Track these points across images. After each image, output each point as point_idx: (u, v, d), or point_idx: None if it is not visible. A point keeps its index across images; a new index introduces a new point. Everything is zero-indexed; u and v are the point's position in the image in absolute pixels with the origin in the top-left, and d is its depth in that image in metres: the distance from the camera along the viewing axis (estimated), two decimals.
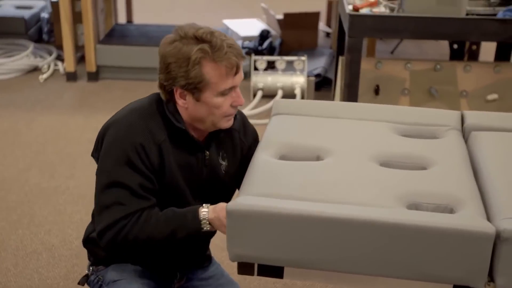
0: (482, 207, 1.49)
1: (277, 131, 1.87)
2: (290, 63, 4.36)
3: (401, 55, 5.12)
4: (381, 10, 3.17)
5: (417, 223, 1.38)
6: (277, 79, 4.25)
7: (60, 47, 4.80)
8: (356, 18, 3.05)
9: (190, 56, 1.66)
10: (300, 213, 1.42)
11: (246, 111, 3.97)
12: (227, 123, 1.77)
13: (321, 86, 4.45)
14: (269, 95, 4.21)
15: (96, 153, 1.79)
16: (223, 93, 1.70)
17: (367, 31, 3.10)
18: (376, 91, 3.38)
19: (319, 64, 4.63)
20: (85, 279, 1.93)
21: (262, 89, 4.21)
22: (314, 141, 1.77)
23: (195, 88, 1.68)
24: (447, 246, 1.37)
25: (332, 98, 4.07)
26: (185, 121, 1.76)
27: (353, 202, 1.47)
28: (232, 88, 1.72)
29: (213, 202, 1.77)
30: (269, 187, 1.55)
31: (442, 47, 4.95)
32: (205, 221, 1.67)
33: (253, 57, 4.35)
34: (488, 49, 4.08)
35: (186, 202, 1.77)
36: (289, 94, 4.22)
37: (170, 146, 1.74)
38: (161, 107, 1.76)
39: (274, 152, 1.74)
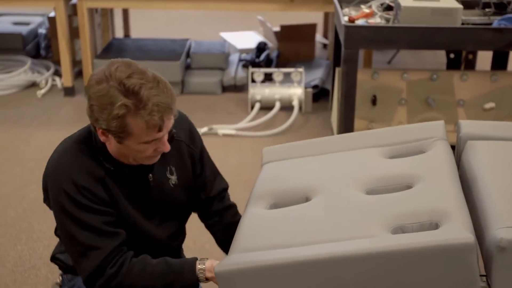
0: (468, 216, 1.49)
1: (265, 181, 1.88)
2: (287, 75, 4.37)
3: (398, 65, 5.13)
4: (376, 21, 3.18)
5: (397, 247, 1.38)
6: (275, 91, 4.26)
7: (57, 62, 4.81)
8: (352, 30, 3.06)
9: (113, 108, 1.56)
10: (284, 261, 1.42)
11: (244, 123, 3.97)
12: (150, 161, 1.72)
13: (319, 97, 4.45)
14: (267, 107, 4.21)
15: (47, 201, 1.76)
16: (147, 142, 1.63)
17: (362, 42, 3.11)
18: (373, 101, 3.38)
19: (317, 75, 4.64)
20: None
21: (260, 101, 4.22)
22: (302, 183, 1.78)
23: (116, 134, 1.61)
24: (432, 263, 1.37)
25: (330, 109, 4.07)
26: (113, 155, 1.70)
27: (338, 239, 1.46)
28: (157, 139, 1.64)
29: (167, 217, 1.81)
30: (257, 240, 1.55)
31: (439, 56, 4.96)
32: (202, 275, 1.69)
33: (251, 69, 4.36)
34: (484, 57, 4.09)
35: (140, 226, 1.76)
36: (287, 106, 4.23)
37: (111, 180, 1.69)
38: (92, 142, 1.71)
39: (264, 203, 1.75)
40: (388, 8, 3.33)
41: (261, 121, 4.01)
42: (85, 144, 1.71)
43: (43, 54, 5.33)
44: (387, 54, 5.34)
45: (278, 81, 4.32)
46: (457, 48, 3.62)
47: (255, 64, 4.81)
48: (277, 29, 5.27)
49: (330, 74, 4.49)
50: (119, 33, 5.79)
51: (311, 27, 5.22)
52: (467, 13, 3.20)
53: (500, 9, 3.22)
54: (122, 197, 1.71)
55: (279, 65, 4.87)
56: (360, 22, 3.16)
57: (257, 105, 4.19)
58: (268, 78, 4.42)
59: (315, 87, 4.44)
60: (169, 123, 1.64)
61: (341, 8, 3.40)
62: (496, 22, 3.06)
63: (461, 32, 3.01)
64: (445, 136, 1.92)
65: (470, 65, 3.88)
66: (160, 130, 1.61)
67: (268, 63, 4.90)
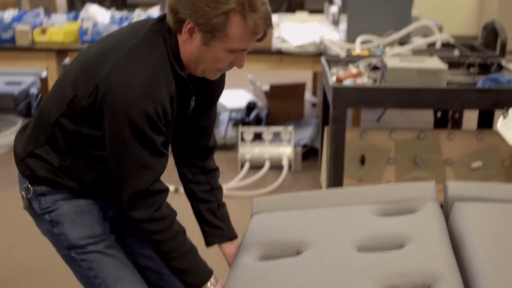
0: (460, 279, 1.49)
1: (256, 231, 1.88)
2: (277, 134, 4.40)
3: (386, 123, 5.19)
4: (364, 81, 3.23)
5: None
6: (264, 150, 4.28)
7: None
8: (340, 90, 3.10)
9: (225, 2, 1.52)
10: None
11: (234, 183, 3.97)
12: (215, 75, 1.70)
13: (308, 155, 4.47)
14: (256, 166, 4.22)
15: (89, 99, 1.60)
16: (232, 51, 1.61)
17: (350, 102, 3.15)
18: (362, 160, 3.40)
19: (306, 134, 4.67)
20: (27, 203, 1.81)
21: (249, 160, 4.23)
22: (294, 236, 1.78)
23: (210, 32, 1.55)
24: None
25: (319, 168, 4.09)
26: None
27: None
28: (244, 50, 1.63)
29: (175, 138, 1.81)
30: None
31: (427, 114, 5.02)
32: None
33: (240, 128, 4.39)
34: (471, 116, 4.14)
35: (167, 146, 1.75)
36: (276, 165, 4.24)
37: (176, 95, 1.65)
38: (164, 46, 1.62)
39: (254, 254, 1.74)
40: (375, 68, 3.39)
41: (251, 180, 4.02)
42: (161, 49, 1.62)
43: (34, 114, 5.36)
44: (376, 111, 5.40)
45: (268, 140, 4.35)
46: (443, 108, 3.67)
47: (245, 123, 4.84)
48: (267, 88, 5.33)
49: (319, 132, 4.52)
50: None
51: (300, 86, 5.29)
52: (452, 73, 3.26)
53: (484, 69, 3.29)
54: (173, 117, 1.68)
55: (268, 123, 4.91)
56: (347, 82, 3.21)
57: (247, 165, 4.20)
58: (258, 137, 4.45)
59: (304, 146, 4.46)
60: (265, 37, 1.61)
61: (329, 68, 3.46)
62: (481, 82, 3.11)
63: (447, 92, 3.06)
64: (435, 197, 1.93)
65: (457, 124, 3.92)
66: (260, 38, 1.59)
67: (258, 122, 4.93)
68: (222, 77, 1.83)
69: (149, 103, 1.56)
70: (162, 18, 1.67)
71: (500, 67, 3.34)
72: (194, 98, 1.75)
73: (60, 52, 4.35)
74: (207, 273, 1.76)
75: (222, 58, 1.62)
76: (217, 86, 1.85)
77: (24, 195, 1.82)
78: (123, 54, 1.61)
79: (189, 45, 1.61)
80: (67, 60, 4.50)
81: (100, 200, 1.83)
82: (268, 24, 1.59)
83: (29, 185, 1.79)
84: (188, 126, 1.86)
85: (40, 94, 5.24)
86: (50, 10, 5.55)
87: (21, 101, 5.24)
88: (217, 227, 1.94)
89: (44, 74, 5.09)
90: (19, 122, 4.90)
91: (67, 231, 1.78)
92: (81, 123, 1.68)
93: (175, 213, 1.74)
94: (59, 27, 4.37)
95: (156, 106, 1.58)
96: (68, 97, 1.67)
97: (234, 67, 1.69)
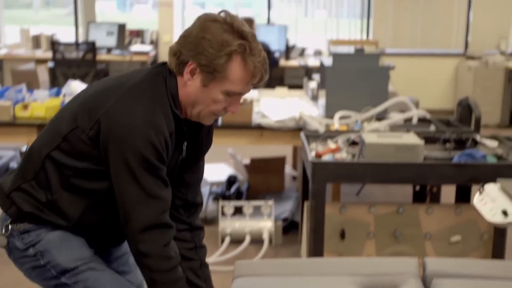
0: None
1: None
2: (257, 208, 4.40)
3: (366, 196, 5.22)
4: (342, 156, 3.28)
5: None
6: (245, 224, 4.28)
7: None
8: (319, 165, 3.14)
9: (228, 45, 1.65)
10: None
11: (214, 257, 3.94)
12: (210, 119, 1.79)
13: (289, 229, 4.47)
14: (237, 241, 4.20)
15: (90, 131, 1.68)
16: (229, 94, 1.71)
17: (329, 177, 3.19)
18: (342, 235, 3.41)
19: (286, 207, 4.68)
20: (5, 241, 1.78)
21: (230, 234, 4.22)
22: None
23: (211, 73, 1.67)
24: None
25: (300, 242, 4.08)
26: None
27: None
28: (239, 94, 1.74)
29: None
30: None
31: (406, 187, 5.07)
32: None
33: (221, 202, 4.39)
34: (449, 190, 4.19)
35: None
36: (257, 239, 4.23)
37: (174, 134, 1.73)
38: (164, 86, 1.72)
39: None
40: (354, 143, 3.44)
41: (231, 255, 3.99)
42: (158, 89, 1.71)
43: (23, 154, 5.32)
44: (356, 185, 5.44)
45: (248, 214, 4.35)
46: (421, 183, 3.72)
47: (226, 197, 4.85)
48: (247, 161, 5.37)
49: (299, 206, 4.54)
50: None
51: (280, 160, 5.33)
52: (428, 148, 3.32)
53: (460, 145, 3.36)
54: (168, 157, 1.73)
55: (249, 197, 4.92)
56: (326, 157, 3.25)
57: (227, 239, 4.18)
58: (238, 210, 4.45)
59: (285, 219, 4.47)
60: (261, 82, 1.74)
61: (308, 143, 3.51)
62: (457, 157, 3.17)
63: (424, 167, 3.11)
64: (417, 272, 1.94)
65: (435, 198, 3.96)
66: (257, 82, 1.71)
67: (238, 195, 4.94)
68: (211, 133, 1.94)
69: (152, 132, 1.65)
70: (163, 63, 1.78)
71: (475, 143, 3.42)
72: (186, 144, 1.82)
73: (41, 127, 4.37)
74: None
75: (218, 101, 1.72)
76: (206, 139, 1.94)
77: (3, 232, 1.80)
78: (124, 91, 1.70)
79: (189, 86, 1.72)
80: None
81: (84, 237, 1.84)
82: (265, 70, 1.72)
83: (11, 223, 1.79)
84: (177, 178, 1.89)
85: None
86: (32, 86, 5.60)
87: (1, 175, 5.22)
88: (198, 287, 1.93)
89: (24, 148, 5.10)
90: None
91: (56, 257, 1.78)
92: (76, 156, 1.72)
93: (180, 259, 1.76)
94: (41, 103, 4.41)
95: (159, 136, 1.66)
96: (64, 131, 1.73)
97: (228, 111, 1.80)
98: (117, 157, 1.66)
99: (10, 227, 1.79)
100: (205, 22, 1.69)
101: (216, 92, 1.71)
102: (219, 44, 1.66)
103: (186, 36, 1.70)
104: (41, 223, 1.77)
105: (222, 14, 1.70)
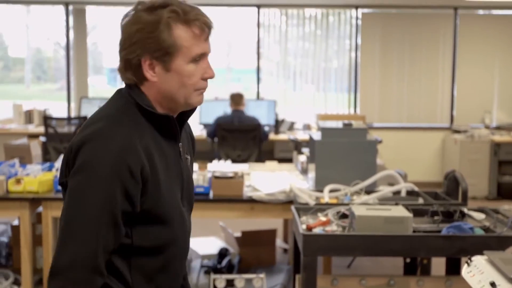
0: None
1: None
2: (249, 281, 4.41)
3: (357, 268, 5.23)
4: (333, 228, 3.32)
5: None
6: None
7: (17, 271, 4.78)
8: (310, 238, 3.18)
9: (160, 19, 1.59)
10: None
11: None
12: (198, 98, 1.70)
13: None
14: None
15: (65, 179, 1.62)
16: (194, 59, 1.65)
17: (320, 250, 3.22)
18: None
19: (278, 280, 4.68)
20: None
21: None
22: None
23: (166, 54, 1.61)
24: None
25: None
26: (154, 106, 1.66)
27: None
28: (204, 54, 1.67)
29: (189, 208, 1.76)
30: None
31: (397, 259, 5.10)
32: None
33: (212, 276, 4.39)
34: (439, 261, 4.22)
35: (178, 206, 1.70)
36: None
37: (152, 142, 1.63)
38: (128, 98, 1.66)
39: None
40: (344, 216, 3.50)
41: None
42: (124, 103, 1.65)
43: (3, 262, 5.29)
44: (347, 258, 5.46)
45: (240, 287, 4.35)
46: (410, 255, 3.76)
47: (217, 270, 4.85)
48: (238, 234, 5.39)
49: (291, 279, 4.54)
50: None
51: (271, 233, 5.36)
52: (417, 221, 3.38)
53: (448, 217, 3.42)
54: (162, 169, 1.64)
55: (240, 270, 4.92)
56: (317, 230, 3.30)
57: None
58: (230, 284, 4.44)
59: None
60: (209, 41, 1.67)
61: (299, 216, 3.56)
62: (445, 229, 3.22)
63: (413, 239, 3.16)
64: None
65: (426, 269, 3.99)
66: (207, 37, 1.65)
67: (230, 269, 4.94)
68: (193, 139, 1.91)
69: (114, 158, 1.56)
70: (117, 91, 1.73)
71: (463, 215, 3.48)
72: (181, 145, 1.75)
73: (34, 201, 4.41)
74: None
75: (190, 72, 1.66)
76: (189, 144, 1.88)
77: None
78: (84, 125, 1.67)
79: (158, 82, 1.65)
80: (40, 209, 4.54)
81: None
82: (206, 16, 1.67)
83: None
84: None
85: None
86: (25, 160, 5.66)
87: None
88: None
89: (15, 222, 5.10)
90: None
91: None
92: None
93: None
94: (34, 177, 4.46)
95: (122, 164, 1.56)
96: None
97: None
98: (72, 179, 1.60)
99: None
100: (126, 20, 1.66)
101: (181, 67, 1.65)
102: (152, 24, 1.61)
103: (122, 45, 1.66)
104: None
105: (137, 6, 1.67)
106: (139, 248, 1.66)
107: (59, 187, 1.69)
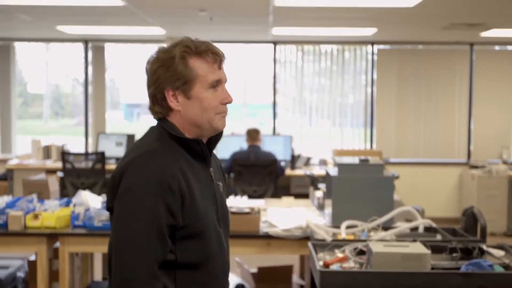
0: None
1: None
2: None
3: None
4: (350, 265, 3.29)
5: None
6: None
7: None
8: (327, 275, 3.16)
9: (175, 55, 1.83)
10: None
11: None
12: (221, 121, 1.90)
13: None
14: None
15: (111, 204, 1.83)
16: (212, 86, 1.86)
17: (338, 287, 3.19)
18: None
19: None
20: None
21: None
22: None
23: (185, 83, 1.84)
24: None
25: None
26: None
27: None
28: (219, 81, 1.88)
29: (226, 230, 1.98)
30: None
31: None
32: None
33: None
34: None
35: (216, 228, 1.89)
36: None
37: (186, 165, 1.84)
38: (160, 129, 1.88)
39: None
40: (361, 252, 3.47)
41: None
42: (165, 140, 1.87)
43: None
44: None
45: None
46: None
47: None
48: (255, 270, 5.35)
49: None
50: (98, 275, 5.82)
51: (288, 269, 5.32)
52: (435, 258, 3.34)
53: (467, 254, 3.38)
54: (197, 189, 1.84)
55: None
56: (334, 266, 3.27)
57: None
58: None
59: None
60: (223, 69, 1.90)
61: (316, 252, 3.54)
62: (464, 266, 3.19)
63: (432, 276, 3.12)
64: None
65: None
66: (220, 65, 1.87)
67: None
68: (221, 167, 2.12)
69: (156, 178, 1.77)
70: (150, 127, 1.95)
71: (482, 252, 3.44)
72: (212, 170, 1.96)
73: (51, 236, 4.42)
74: None
75: (209, 98, 1.87)
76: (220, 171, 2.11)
77: None
78: (124, 156, 1.89)
79: (181, 111, 1.87)
80: (57, 244, 4.55)
81: None
82: (218, 51, 1.89)
83: None
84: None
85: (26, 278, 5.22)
86: (43, 196, 5.69)
87: (7, 285, 5.20)
88: None
89: (32, 257, 5.11)
90: None
91: None
92: None
93: None
94: (52, 213, 4.48)
95: (163, 183, 1.77)
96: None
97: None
98: (119, 201, 1.81)
99: None
100: (148, 62, 1.89)
101: (201, 93, 1.86)
102: (169, 59, 1.84)
103: (148, 84, 1.89)
104: None
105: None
106: (182, 264, 1.84)
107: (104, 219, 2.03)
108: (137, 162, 1.80)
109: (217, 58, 1.88)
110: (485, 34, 8.17)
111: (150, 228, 1.75)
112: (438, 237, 3.90)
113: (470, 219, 3.97)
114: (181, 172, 1.82)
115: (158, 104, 1.88)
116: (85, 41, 9.29)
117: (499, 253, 3.46)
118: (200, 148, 1.90)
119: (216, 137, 1.97)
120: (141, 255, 1.74)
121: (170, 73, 1.84)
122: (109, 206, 1.86)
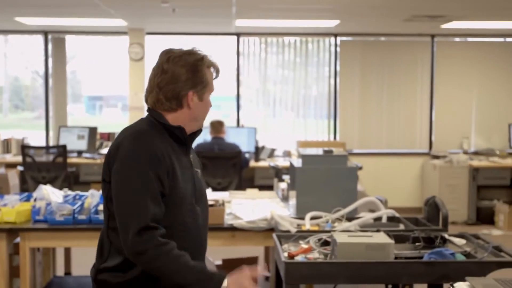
0: None
1: None
2: None
3: None
4: (315, 256, 3.31)
5: None
6: None
7: None
8: (292, 266, 3.16)
9: (197, 62, 2.21)
10: None
11: None
12: (202, 123, 2.34)
13: None
14: None
15: (107, 175, 2.16)
16: (211, 93, 2.28)
17: (303, 278, 3.20)
18: None
19: None
20: None
21: None
22: None
23: (203, 88, 2.23)
24: None
25: None
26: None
27: None
28: (212, 91, 2.32)
29: (204, 209, 2.33)
30: None
31: (379, 286, 5.07)
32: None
33: None
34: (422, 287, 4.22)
35: (192, 205, 2.24)
36: None
37: (170, 147, 2.19)
38: (150, 118, 2.25)
39: None
40: (325, 243, 3.48)
41: None
42: (154, 126, 2.23)
43: None
44: (329, 285, 5.42)
45: None
46: (393, 282, 3.74)
47: None
48: (219, 262, 5.34)
49: None
50: (60, 270, 5.74)
51: (253, 260, 5.32)
52: (398, 247, 3.37)
53: (429, 243, 3.42)
54: (178, 167, 2.19)
55: None
56: (299, 258, 3.28)
57: None
58: None
59: None
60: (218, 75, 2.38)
61: (281, 243, 3.54)
62: (427, 255, 3.22)
63: (395, 266, 3.15)
64: None
65: None
66: (216, 76, 2.31)
67: None
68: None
69: (147, 151, 2.13)
70: (140, 118, 2.31)
71: (444, 241, 3.48)
72: (192, 157, 2.32)
73: (11, 231, 4.34)
74: (222, 277, 2.22)
75: (209, 103, 2.29)
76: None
77: None
78: (125, 136, 2.24)
79: (191, 110, 2.24)
80: (17, 240, 4.47)
81: None
82: (219, 68, 2.34)
83: None
84: None
85: None
86: (3, 190, 5.59)
87: None
88: None
89: None
90: None
91: None
92: None
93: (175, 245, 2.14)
94: (11, 207, 4.39)
95: (152, 154, 2.13)
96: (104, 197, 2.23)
97: None
98: (123, 171, 2.15)
99: None
100: (171, 64, 2.20)
101: (208, 98, 2.28)
102: (194, 65, 2.21)
103: (170, 81, 2.20)
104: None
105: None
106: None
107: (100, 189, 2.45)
108: (130, 138, 2.16)
109: (218, 71, 2.33)
110: (446, 26, 8.27)
111: (146, 191, 2.09)
112: (401, 226, 3.93)
113: (432, 208, 4.02)
114: (166, 151, 2.16)
115: (176, 100, 2.21)
116: (45, 32, 9.13)
117: (461, 241, 3.51)
118: (182, 134, 2.25)
119: (196, 132, 2.35)
120: (142, 209, 2.08)
121: (196, 78, 2.20)
122: (104, 178, 2.20)
